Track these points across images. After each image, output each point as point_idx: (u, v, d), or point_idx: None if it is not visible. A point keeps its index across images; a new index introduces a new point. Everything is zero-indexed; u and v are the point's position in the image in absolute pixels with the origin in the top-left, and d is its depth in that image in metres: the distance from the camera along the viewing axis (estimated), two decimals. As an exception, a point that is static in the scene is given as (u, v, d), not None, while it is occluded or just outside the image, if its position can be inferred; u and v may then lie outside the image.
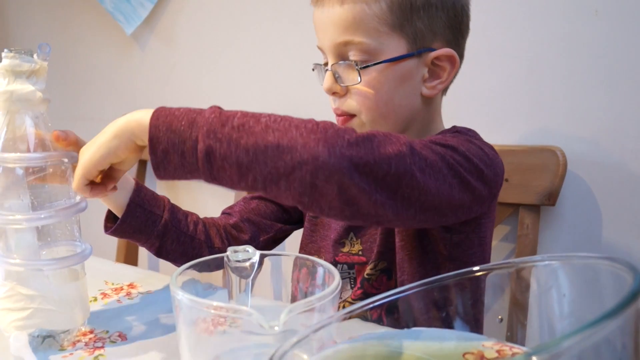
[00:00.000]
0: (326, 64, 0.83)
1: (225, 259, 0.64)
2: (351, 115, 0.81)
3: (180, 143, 0.60)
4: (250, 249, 0.65)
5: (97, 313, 0.78)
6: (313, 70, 0.88)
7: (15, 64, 0.67)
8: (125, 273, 0.94)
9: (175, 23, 1.53)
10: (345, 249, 0.89)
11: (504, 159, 0.81)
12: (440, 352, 0.55)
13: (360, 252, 0.87)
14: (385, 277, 0.85)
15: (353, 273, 0.88)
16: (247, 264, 0.65)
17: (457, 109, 1.17)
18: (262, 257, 0.65)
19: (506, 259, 1.15)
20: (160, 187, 1.65)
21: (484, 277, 0.48)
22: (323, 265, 0.62)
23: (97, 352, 0.68)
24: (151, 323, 0.75)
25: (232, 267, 0.65)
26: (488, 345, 0.52)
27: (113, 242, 1.57)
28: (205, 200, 1.59)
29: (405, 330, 0.59)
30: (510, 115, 1.14)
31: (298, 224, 1.00)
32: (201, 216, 0.93)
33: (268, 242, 0.96)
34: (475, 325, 0.53)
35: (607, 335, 0.34)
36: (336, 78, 0.80)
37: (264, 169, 0.60)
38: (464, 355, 0.54)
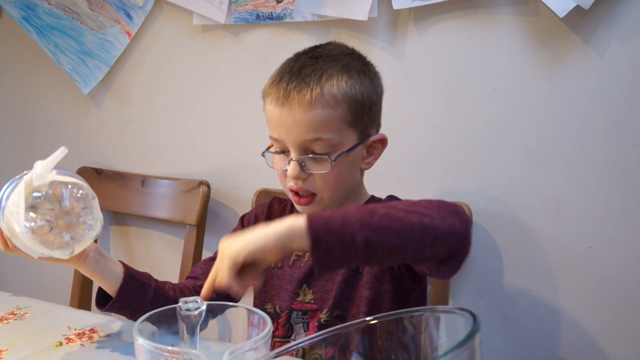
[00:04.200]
0: (283, 153, 0.97)
1: (177, 308, 0.77)
2: (313, 194, 0.97)
3: (339, 239, 0.72)
4: (199, 299, 0.78)
5: (63, 357, 0.89)
6: (263, 155, 1.01)
7: None
8: (86, 318, 1.04)
9: (129, 84, 1.65)
10: (300, 298, 1.04)
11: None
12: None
13: (312, 301, 1.03)
14: (339, 323, 1.00)
15: (306, 318, 1.03)
16: (196, 312, 0.78)
17: (381, 171, 1.34)
18: (209, 306, 0.79)
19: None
20: (114, 235, 1.75)
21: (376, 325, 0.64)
22: (258, 313, 0.77)
23: (66, 391, 0.80)
24: (113, 364, 0.87)
25: (182, 315, 0.78)
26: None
27: (67, 286, 1.66)
28: (156, 247, 1.70)
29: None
30: (425, 175, 1.32)
31: None
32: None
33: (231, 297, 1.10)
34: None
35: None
36: (302, 166, 0.95)
37: (413, 245, 0.75)
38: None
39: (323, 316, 1.00)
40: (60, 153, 0.82)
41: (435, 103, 1.29)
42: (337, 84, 0.93)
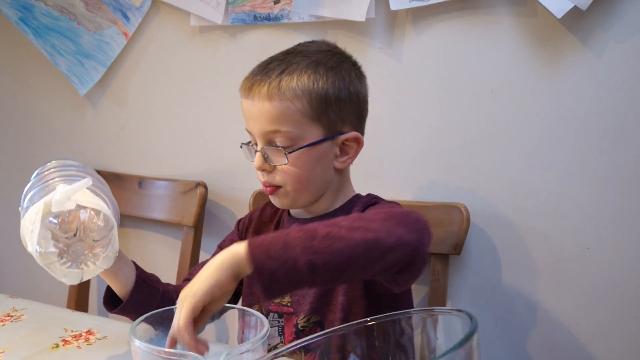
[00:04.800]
0: (254, 144, 0.99)
1: (175, 310, 0.77)
2: (277, 187, 0.98)
3: (282, 265, 0.70)
4: (195, 301, 0.78)
5: (60, 359, 0.89)
6: (241, 147, 1.03)
7: None
8: (83, 320, 1.04)
9: (126, 85, 1.65)
10: (277, 300, 1.03)
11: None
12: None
13: (289, 304, 1.02)
14: (319, 329, 0.99)
15: (282, 322, 1.02)
16: (193, 314, 0.78)
17: (379, 172, 1.34)
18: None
19: (420, 303, 1.32)
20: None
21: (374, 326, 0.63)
22: (255, 315, 0.77)
23: (62, 393, 0.79)
24: (109, 366, 0.87)
25: (180, 317, 0.78)
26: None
27: (64, 288, 1.66)
28: (153, 248, 1.70)
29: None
30: (423, 176, 1.32)
31: None
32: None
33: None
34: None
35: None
36: (265, 158, 0.96)
37: (360, 263, 0.73)
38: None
39: (300, 321, 1.00)
40: (83, 183, 0.82)
41: (432, 104, 1.29)
42: (298, 78, 0.94)
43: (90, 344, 0.95)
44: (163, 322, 0.78)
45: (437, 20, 1.26)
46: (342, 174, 1.02)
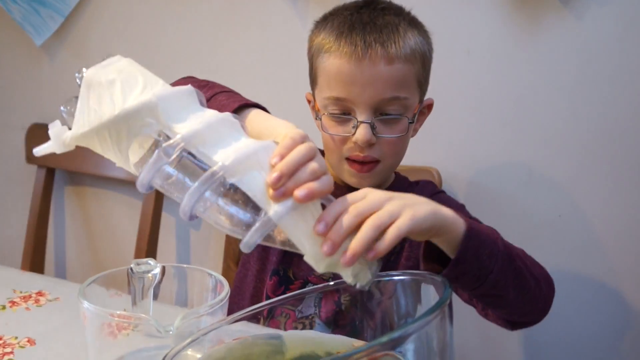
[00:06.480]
0: (344, 114, 0.86)
1: (129, 270, 0.72)
2: (376, 162, 0.88)
3: (478, 270, 0.68)
4: (152, 261, 0.73)
5: (6, 320, 0.84)
6: (318, 119, 0.89)
7: None
8: (34, 281, 0.98)
9: (86, 36, 1.56)
10: (317, 273, 0.94)
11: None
12: (316, 351, 0.66)
13: (330, 279, 0.95)
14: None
15: (319, 294, 0.96)
16: (149, 274, 0.74)
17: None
18: (163, 268, 0.74)
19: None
20: (69, 196, 1.68)
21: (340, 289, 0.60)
22: (215, 276, 0.72)
23: (6, 357, 0.74)
24: (59, 328, 0.82)
25: (136, 277, 0.73)
26: (357, 344, 0.63)
27: (19, 249, 1.59)
28: (113, 208, 1.64)
29: (287, 331, 0.70)
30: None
31: None
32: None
33: None
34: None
35: (428, 326, 0.46)
36: (373, 129, 0.84)
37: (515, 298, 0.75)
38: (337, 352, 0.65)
39: (344, 300, 0.95)
40: None
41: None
42: (413, 37, 0.86)
43: (40, 306, 0.89)
44: (117, 284, 0.73)
45: (414, -24, 1.20)
46: None
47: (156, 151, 0.53)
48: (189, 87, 0.57)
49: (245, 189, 0.52)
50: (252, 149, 0.53)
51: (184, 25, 1.45)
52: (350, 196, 0.57)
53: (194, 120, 0.54)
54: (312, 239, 0.54)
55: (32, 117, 1.63)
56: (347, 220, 0.53)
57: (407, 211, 0.56)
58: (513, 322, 0.81)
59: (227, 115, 0.56)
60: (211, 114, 0.56)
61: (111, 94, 0.56)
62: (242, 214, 0.54)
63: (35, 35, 1.57)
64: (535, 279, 0.76)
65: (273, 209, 0.52)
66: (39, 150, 0.61)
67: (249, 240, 0.53)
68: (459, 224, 0.65)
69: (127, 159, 0.57)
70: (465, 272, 0.67)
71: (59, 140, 0.60)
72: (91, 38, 1.56)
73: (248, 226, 0.53)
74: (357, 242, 0.52)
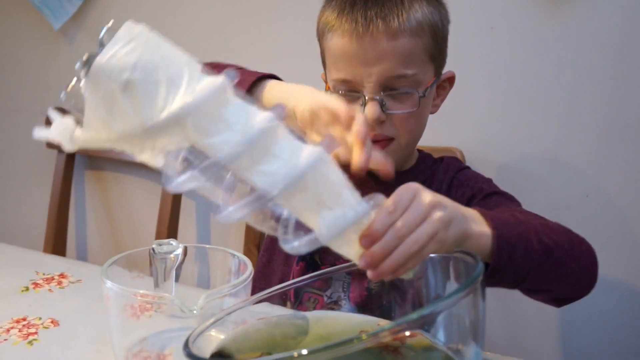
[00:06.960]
0: (352, 92, 0.83)
1: (151, 251, 0.72)
2: (390, 139, 0.85)
3: (514, 274, 0.65)
4: (174, 242, 0.73)
5: (30, 301, 0.84)
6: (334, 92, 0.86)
7: None
8: (56, 263, 0.99)
9: (104, 19, 1.55)
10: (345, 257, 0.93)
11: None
12: (341, 331, 0.65)
13: None
14: (394, 293, 0.93)
15: (349, 278, 0.95)
16: (171, 255, 0.73)
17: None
18: (185, 249, 0.73)
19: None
20: (89, 181, 1.68)
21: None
22: (238, 257, 0.71)
23: (30, 338, 0.74)
24: (82, 309, 0.82)
25: (157, 258, 0.72)
26: (383, 324, 0.62)
27: (41, 232, 1.60)
28: (133, 193, 1.63)
29: (311, 312, 0.68)
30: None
31: None
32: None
33: None
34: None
35: (459, 303, 0.45)
36: (382, 106, 0.82)
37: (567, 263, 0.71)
38: (360, 331, 0.64)
39: (374, 284, 0.93)
40: None
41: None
42: (421, 9, 0.81)
43: (63, 288, 0.89)
44: (137, 265, 0.72)
45: (437, -49, 1.17)
46: None
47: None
48: (221, 80, 0.48)
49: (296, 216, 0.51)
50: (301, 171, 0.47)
51: (203, 4, 1.43)
52: (397, 200, 0.53)
53: (233, 139, 0.47)
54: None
55: (50, 101, 1.62)
56: (388, 242, 0.51)
57: (441, 233, 0.53)
58: (559, 300, 0.78)
59: (267, 120, 0.48)
60: (250, 125, 0.48)
61: (131, 99, 0.46)
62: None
63: (53, 19, 1.57)
64: (577, 258, 0.72)
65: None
66: (39, 135, 0.53)
67: (293, 247, 0.51)
68: (485, 236, 0.61)
69: (151, 159, 0.53)
70: (501, 281, 0.65)
71: (66, 135, 0.52)
72: (110, 20, 1.55)
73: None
74: (387, 267, 0.51)
